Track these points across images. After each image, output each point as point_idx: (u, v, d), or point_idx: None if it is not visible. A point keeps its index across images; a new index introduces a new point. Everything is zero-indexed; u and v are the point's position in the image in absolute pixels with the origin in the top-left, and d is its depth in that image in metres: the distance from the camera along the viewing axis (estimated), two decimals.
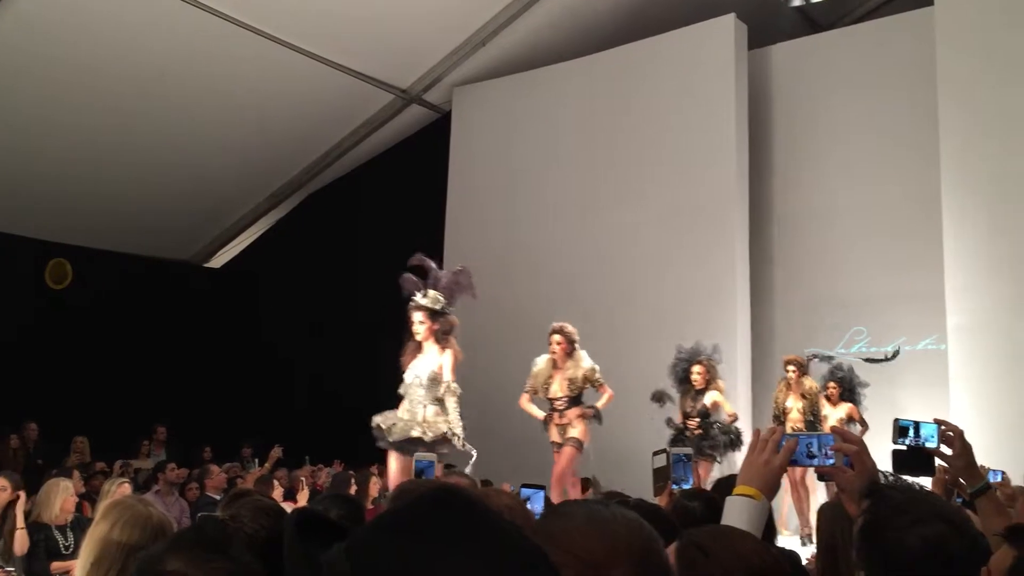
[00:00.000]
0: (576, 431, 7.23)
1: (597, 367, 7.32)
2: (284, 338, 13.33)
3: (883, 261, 9.85)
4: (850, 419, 9.09)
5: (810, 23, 12.14)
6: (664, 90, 10.78)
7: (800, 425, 8.90)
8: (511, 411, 10.42)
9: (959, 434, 2.36)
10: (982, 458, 5.51)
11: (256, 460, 9.92)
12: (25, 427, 10.01)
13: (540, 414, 7.50)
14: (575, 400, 7.31)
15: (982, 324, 8.50)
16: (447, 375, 6.50)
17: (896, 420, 2.46)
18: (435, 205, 12.23)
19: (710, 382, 8.48)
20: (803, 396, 9.07)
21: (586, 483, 8.13)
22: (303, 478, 8.21)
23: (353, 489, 6.87)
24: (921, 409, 7.69)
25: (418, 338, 6.58)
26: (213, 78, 10.96)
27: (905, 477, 2.31)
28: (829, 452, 1.95)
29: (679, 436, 8.38)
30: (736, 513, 1.85)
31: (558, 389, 7.33)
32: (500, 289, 11.48)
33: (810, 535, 8.10)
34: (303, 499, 6.65)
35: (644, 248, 10.56)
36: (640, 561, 1.17)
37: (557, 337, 7.35)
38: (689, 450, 3.58)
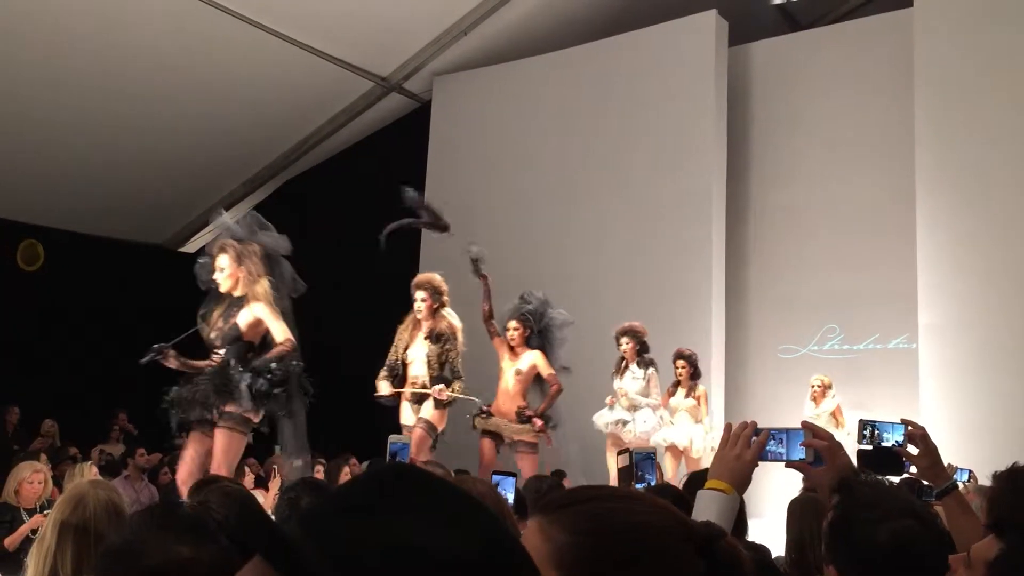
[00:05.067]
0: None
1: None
2: None
3: (857, 259, 9.91)
4: (534, 372, 6.97)
5: (791, 21, 12.18)
6: (644, 85, 10.78)
7: (426, 380, 6.31)
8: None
9: (922, 434, 2.38)
10: (950, 456, 5.58)
11: None
12: (8, 411, 9.90)
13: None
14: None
15: (953, 323, 8.58)
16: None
17: (861, 420, 2.50)
18: None
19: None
20: (431, 339, 6.22)
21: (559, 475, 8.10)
22: (275, 466, 8.15)
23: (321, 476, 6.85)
24: (891, 408, 7.78)
25: None
26: (192, 62, 10.83)
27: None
28: (799, 447, 1.95)
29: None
30: (706, 507, 1.85)
31: None
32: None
33: None
34: (275, 487, 6.61)
35: (621, 242, 10.56)
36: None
37: None
38: (653, 448, 3.56)
